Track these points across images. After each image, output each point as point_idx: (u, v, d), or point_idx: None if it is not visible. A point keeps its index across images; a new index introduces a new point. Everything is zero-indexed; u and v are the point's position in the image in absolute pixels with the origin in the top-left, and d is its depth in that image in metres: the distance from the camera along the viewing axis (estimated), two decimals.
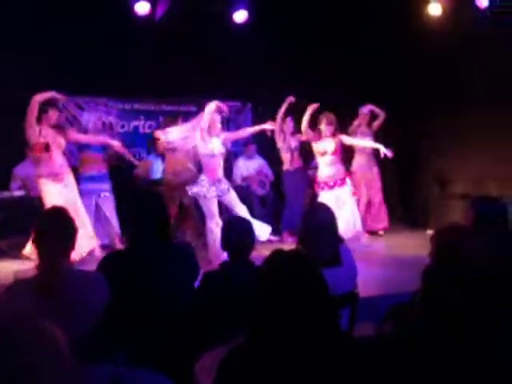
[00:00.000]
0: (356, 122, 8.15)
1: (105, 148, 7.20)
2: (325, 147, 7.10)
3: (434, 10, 7.77)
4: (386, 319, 2.72)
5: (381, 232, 8.31)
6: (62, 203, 5.55)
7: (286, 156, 7.87)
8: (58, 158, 6.19)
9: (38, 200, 7.03)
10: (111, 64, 8.12)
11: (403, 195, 9.40)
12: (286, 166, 7.88)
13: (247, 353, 1.82)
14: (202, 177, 6.47)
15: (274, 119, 7.55)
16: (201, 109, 9.17)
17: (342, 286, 3.21)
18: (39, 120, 6.12)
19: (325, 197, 6.92)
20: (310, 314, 1.77)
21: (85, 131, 7.19)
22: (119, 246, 6.91)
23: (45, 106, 6.23)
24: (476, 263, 2.49)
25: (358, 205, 7.93)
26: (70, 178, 6.31)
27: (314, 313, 1.78)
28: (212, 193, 6.38)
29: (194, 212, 7.28)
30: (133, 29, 7.90)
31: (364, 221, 7.86)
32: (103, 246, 6.92)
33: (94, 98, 8.69)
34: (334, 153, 7.09)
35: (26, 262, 6.38)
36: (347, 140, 7.31)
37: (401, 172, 9.24)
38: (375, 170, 8.24)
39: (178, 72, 8.45)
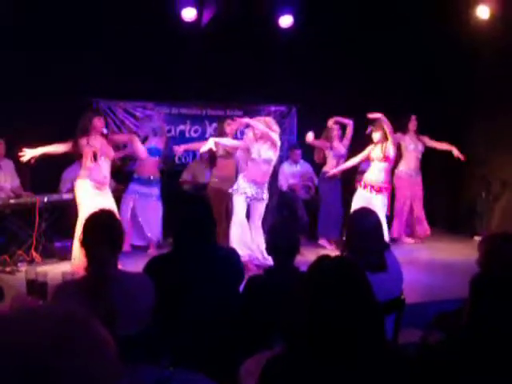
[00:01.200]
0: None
1: (159, 153, 7.42)
2: (373, 153, 7.22)
3: (482, 12, 7.63)
4: (432, 327, 2.69)
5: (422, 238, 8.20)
6: (93, 206, 5.79)
7: (332, 162, 7.80)
8: (104, 169, 6.24)
9: None
10: (158, 69, 8.24)
11: (448, 200, 9.23)
12: (327, 171, 7.77)
13: (290, 360, 1.79)
14: (240, 177, 6.51)
15: (318, 123, 7.60)
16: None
17: (388, 291, 3.17)
18: (87, 131, 6.22)
19: (361, 192, 7.14)
20: (356, 321, 1.75)
21: (145, 138, 7.36)
22: (153, 251, 7.12)
23: (90, 116, 6.37)
24: None
25: (401, 210, 7.94)
26: (108, 191, 6.39)
27: (359, 320, 1.75)
28: (243, 190, 6.40)
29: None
30: (179, 34, 8.00)
31: (408, 226, 8.00)
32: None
33: (142, 102, 8.82)
34: (380, 159, 7.17)
35: (74, 264, 6.55)
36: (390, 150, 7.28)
37: (447, 177, 9.10)
38: (419, 177, 8.14)
39: (224, 77, 8.50)
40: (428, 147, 8.00)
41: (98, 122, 6.30)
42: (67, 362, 0.90)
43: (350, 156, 7.72)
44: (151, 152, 7.22)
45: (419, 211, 8.08)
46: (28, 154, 5.99)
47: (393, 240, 7.87)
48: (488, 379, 1.90)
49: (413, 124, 7.98)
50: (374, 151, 7.22)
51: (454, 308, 2.85)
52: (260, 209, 6.55)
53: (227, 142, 6.91)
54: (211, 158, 7.38)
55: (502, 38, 7.49)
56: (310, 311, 1.77)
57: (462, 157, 7.67)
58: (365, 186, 7.20)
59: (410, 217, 8.15)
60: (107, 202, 6.06)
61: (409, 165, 7.98)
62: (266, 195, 6.55)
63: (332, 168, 7.71)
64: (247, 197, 6.41)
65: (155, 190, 7.36)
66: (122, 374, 0.98)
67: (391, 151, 7.20)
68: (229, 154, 7.11)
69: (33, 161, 6.04)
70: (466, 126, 8.54)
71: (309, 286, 1.84)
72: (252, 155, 6.42)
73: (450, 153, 7.85)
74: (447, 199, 9.23)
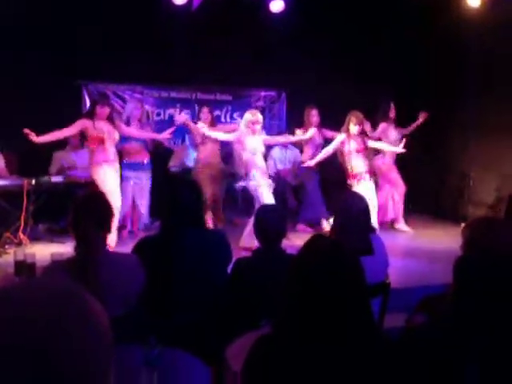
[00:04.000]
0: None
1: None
2: (351, 145, 7.16)
3: (473, 1, 7.63)
4: (417, 311, 2.72)
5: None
6: (115, 187, 6.38)
7: (308, 152, 7.81)
8: (111, 149, 6.45)
9: (76, 186, 7.20)
10: (148, 52, 8.21)
11: (434, 186, 9.26)
12: (307, 160, 7.64)
13: (278, 340, 1.80)
14: (254, 172, 6.45)
15: (307, 108, 7.67)
16: (236, 98, 9.27)
17: (374, 275, 3.20)
18: (92, 114, 6.39)
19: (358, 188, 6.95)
20: (346, 303, 1.76)
21: (127, 120, 7.25)
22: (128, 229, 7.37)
23: (95, 102, 6.54)
24: (508, 255, 2.48)
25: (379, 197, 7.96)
26: (117, 170, 6.63)
27: (350, 302, 1.76)
28: (263, 182, 6.43)
29: (219, 204, 7.52)
30: (170, 18, 7.95)
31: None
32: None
33: (131, 85, 8.79)
34: (358, 151, 7.15)
35: (63, 245, 6.55)
36: (371, 144, 7.34)
37: (433, 163, 9.14)
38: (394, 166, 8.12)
39: (214, 61, 8.49)
40: (406, 134, 7.91)
41: (101, 110, 6.38)
42: (64, 336, 0.91)
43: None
44: (136, 140, 7.21)
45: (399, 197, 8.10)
46: (35, 138, 6.05)
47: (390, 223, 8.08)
48: (471, 360, 1.94)
49: (392, 112, 7.95)
50: (350, 144, 7.15)
51: (438, 292, 2.89)
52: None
53: (220, 136, 6.97)
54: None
55: (492, 26, 7.49)
56: (301, 291, 1.78)
57: (424, 114, 7.88)
58: (352, 178, 7.18)
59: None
60: (117, 182, 6.51)
61: (389, 154, 7.96)
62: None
63: (308, 157, 7.65)
64: (269, 184, 6.52)
65: (147, 174, 7.35)
66: (113, 350, 0.99)
67: (371, 144, 7.30)
68: (209, 140, 7.21)
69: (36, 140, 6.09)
70: (453, 112, 8.53)
71: (301, 265, 1.84)
72: (250, 149, 6.47)
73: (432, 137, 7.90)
74: (433, 185, 9.26)
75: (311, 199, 7.79)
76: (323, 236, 1.96)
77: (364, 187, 6.90)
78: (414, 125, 8.11)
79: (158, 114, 8.93)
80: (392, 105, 7.94)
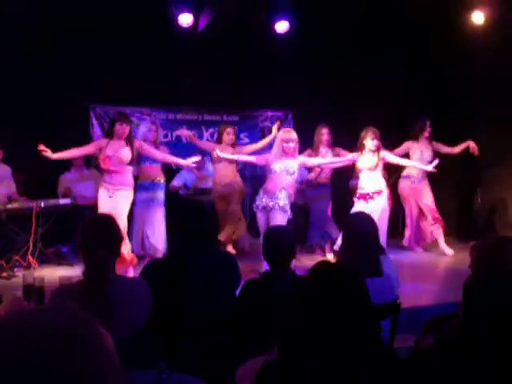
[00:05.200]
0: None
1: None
2: (364, 163, 6.97)
3: (477, 18, 7.67)
4: (426, 331, 2.71)
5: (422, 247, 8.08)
6: (106, 211, 5.77)
7: (316, 168, 7.58)
8: (117, 171, 6.18)
9: (84, 208, 7.22)
10: (155, 74, 8.27)
11: (460, 209, 9.14)
12: (313, 178, 7.66)
13: (285, 365, 1.79)
14: (261, 190, 6.43)
15: (318, 127, 7.57)
16: (243, 119, 9.30)
17: (383, 296, 3.19)
18: (110, 135, 6.27)
19: (358, 206, 6.85)
20: (353, 327, 1.76)
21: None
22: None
23: (114, 120, 6.34)
24: None
25: (410, 219, 7.89)
26: (121, 195, 6.24)
27: (357, 326, 1.76)
28: (266, 202, 6.32)
29: (235, 221, 7.35)
30: (176, 39, 8.03)
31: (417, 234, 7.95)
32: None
33: (139, 107, 8.84)
34: (373, 168, 6.94)
35: (71, 268, 6.56)
36: (390, 157, 7.12)
37: (458, 185, 9.06)
38: (425, 183, 7.86)
39: (221, 82, 8.54)
40: (442, 154, 7.74)
41: (120, 127, 6.19)
42: (72, 363, 0.91)
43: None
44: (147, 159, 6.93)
45: (427, 216, 7.87)
46: (50, 155, 6.03)
47: (405, 248, 7.90)
48: (480, 381, 1.93)
49: (427, 130, 7.75)
50: (364, 161, 6.97)
51: (448, 312, 2.87)
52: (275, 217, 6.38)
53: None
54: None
55: (497, 43, 7.51)
56: (307, 317, 1.78)
57: (476, 151, 7.57)
58: (360, 197, 7.00)
59: (418, 224, 8.01)
60: (119, 206, 6.12)
61: (412, 172, 7.77)
62: (281, 201, 6.37)
63: (317, 175, 7.57)
64: (268, 206, 6.34)
65: (159, 195, 7.01)
66: (123, 375, 0.99)
67: (390, 158, 7.10)
68: (226, 159, 7.13)
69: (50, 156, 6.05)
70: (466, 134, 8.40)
71: (307, 292, 1.85)
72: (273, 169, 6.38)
73: (464, 156, 7.78)
74: (459, 207, 9.13)
75: (318, 220, 7.67)
76: (327, 262, 1.96)
77: (372, 207, 6.73)
78: (459, 149, 7.81)
79: (165, 136, 8.96)
80: (428, 123, 7.77)
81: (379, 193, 6.96)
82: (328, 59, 8.70)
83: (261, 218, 6.39)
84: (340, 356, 1.72)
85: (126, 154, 6.23)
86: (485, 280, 2.12)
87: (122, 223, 6.15)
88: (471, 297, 2.06)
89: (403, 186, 7.90)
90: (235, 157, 6.95)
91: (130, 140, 6.29)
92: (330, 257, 7.43)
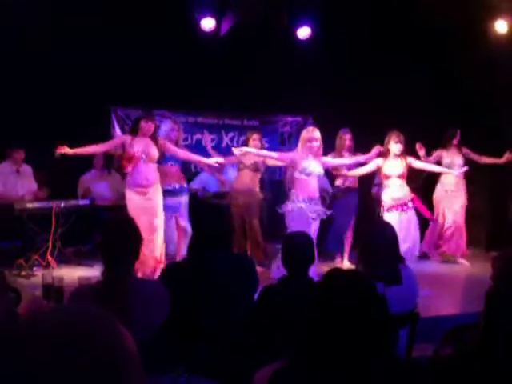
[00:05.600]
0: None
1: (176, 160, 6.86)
2: (392, 169, 6.81)
3: (500, 27, 7.62)
4: (445, 340, 2.69)
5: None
6: (140, 215, 5.75)
7: (340, 173, 7.47)
8: (145, 171, 6.11)
9: (103, 209, 7.28)
10: (176, 78, 8.31)
11: (490, 216, 8.99)
12: (339, 183, 7.57)
13: (297, 372, 1.78)
14: (295, 195, 6.22)
15: (340, 132, 7.50)
16: (263, 124, 9.31)
17: (402, 305, 3.18)
18: (134, 132, 6.20)
19: (392, 217, 6.65)
20: (367, 334, 1.74)
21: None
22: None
23: (139, 118, 6.30)
24: None
25: (434, 225, 7.81)
26: (154, 191, 6.19)
27: (370, 334, 1.75)
28: (298, 207, 6.13)
29: (257, 234, 7.22)
30: (198, 44, 8.06)
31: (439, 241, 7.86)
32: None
33: (160, 111, 8.88)
34: (402, 175, 6.80)
35: (90, 268, 6.60)
36: (416, 164, 6.96)
37: (493, 193, 8.92)
38: (461, 192, 7.82)
39: (242, 86, 8.56)
40: (472, 161, 7.71)
41: (145, 125, 6.14)
42: (93, 361, 0.91)
43: None
44: (168, 159, 6.77)
45: (457, 227, 7.80)
46: (67, 150, 6.00)
47: (424, 254, 7.76)
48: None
49: (457, 139, 7.77)
50: (391, 167, 6.81)
51: (468, 322, 2.85)
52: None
53: (266, 153, 6.79)
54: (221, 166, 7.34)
55: None
56: (317, 324, 1.78)
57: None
58: (392, 207, 6.80)
59: (441, 233, 7.92)
60: (151, 208, 6.10)
61: (445, 180, 7.77)
62: (321, 209, 6.30)
63: (344, 180, 7.47)
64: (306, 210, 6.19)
65: (184, 199, 6.87)
66: (144, 377, 0.99)
67: (416, 164, 6.96)
68: (248, 168, 7.11)
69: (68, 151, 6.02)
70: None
71: (318, 298, 1.84)
72: (301, 169, 6.22)
73: (494, 167, 7.76)
74: (491, 215, 8.98)
75: (339, 228, 7.52)
76: (340, 269, 1.95)
77: (409, 217, 6.70)
78: (493, 161, 7.77)
79: (186, 139, 8.98)
80: (458, 131, 7.75)
81: (411, 201, 6.88)
82: (348, 65, 8.68)
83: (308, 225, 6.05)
84: (350, 365, 1.71)
85: (155, 151, 6.19)
86: (506, 291, 2.10)
87: (160, 219, 6.23)
88: (492, 308, 2.04)
89: (437, 192, 7.89)
90: (259, 152, 6.73)
91: (155, 138, 6.24)
92: (347, 264, 7.38)
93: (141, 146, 6.09)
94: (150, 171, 6.16)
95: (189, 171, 7.92)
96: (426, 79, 8.68)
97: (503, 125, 8.14)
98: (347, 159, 7.20)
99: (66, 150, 5.97)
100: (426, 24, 8.18)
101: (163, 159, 6.59)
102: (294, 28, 8.29)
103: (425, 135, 7.63)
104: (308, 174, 6.17)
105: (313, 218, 6.15)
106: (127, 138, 6.22)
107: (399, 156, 6.79)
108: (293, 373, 1.78)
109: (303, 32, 8.29)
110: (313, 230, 6.04)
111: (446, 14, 7.54)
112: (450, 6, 7.36)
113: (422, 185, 7.95)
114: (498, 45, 7.70)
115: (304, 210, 6.11)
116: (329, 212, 6.30)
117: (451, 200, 7.83)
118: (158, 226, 6.23)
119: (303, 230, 5.69)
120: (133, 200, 6.11)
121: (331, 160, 6.88)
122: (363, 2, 7.99)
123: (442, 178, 7.85)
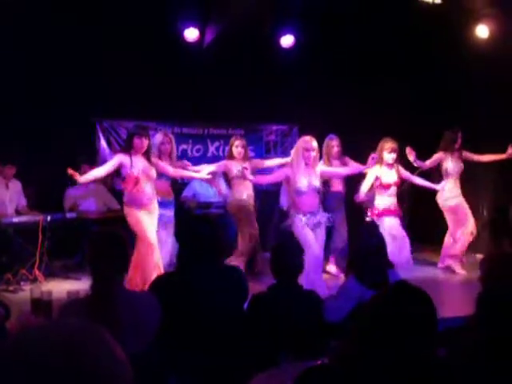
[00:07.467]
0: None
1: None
2: (388, 178, 6.83)
3: (481, 32, 7.69)
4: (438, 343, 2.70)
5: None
6: (148, 227, 5.87)
7: (336, 181, 7.39)
8: (147, 190, 6.02)
9: (90, 222, 7.24)
10: (160, 88, 8.30)
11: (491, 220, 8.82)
12: (330, 189, 7.34)
13: (332, 375, 1.75)
14: (295, 212, 6.08)
15: (326, 140, 7.39)
16: (248, 132, 9.32)
17: None
18: (129, 148, 6.01)
19: (392, 223, 6.74)
20: (414, 350, 1.73)
21: (158, 157, 6.70)
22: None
23: (132, 134, 6.10)
24: None
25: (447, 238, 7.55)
26: (155, 206, 6.16)
27: (416, 350, 1.73)
28: (300, 222, 6.00)
29: (257, 246, 7.16)
30: (182, 54, 8.08)
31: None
32: None
33: (145, 122, 8.85)
34: (397, 183, 6.82)
35: (78, 281, 6.56)
36: (406, 174, 6.98)
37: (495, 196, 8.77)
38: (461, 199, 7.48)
39: (226, 96, 8.56)
40: (473, 162, 7.46)
41: (138, 141, 5.96)
42: (85, 368, 0.91)
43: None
44: (163, 178, 6.67)
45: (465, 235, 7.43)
46: (79, 178, 5.90)
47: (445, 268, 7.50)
48: None
49: (458, 142, 7.38)
50: (388, 175, 6.82)
51: (457, 325, 2.86)
52: (318, 235, 6.14)
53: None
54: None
55: (501, 56, 7.50)
56: (378, 335, 1.74)
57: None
58: (390, 213, 6.81)
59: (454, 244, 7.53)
60: (153, 221, 6.07)
61: (449, 187, 7.38)
62: (322, 218, 6.15)
63: (338, 187, 7.39)
64: (305, 224, 6.04)
65: (169, 212, 6.86)
66: None
67: (405, 175, 6.94)
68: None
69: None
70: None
71: (384, 311, 1.79)
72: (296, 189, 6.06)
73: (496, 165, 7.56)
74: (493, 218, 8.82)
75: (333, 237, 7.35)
76: (408, 284, 1.91)
77: (385, 224, 6.65)
78: (495, 158, 7.39)
79: None
80: (460, 134, 7.38)
81: (394, 210, 6.91)
82: (333, 73, 8.73)
83: (308, 233, 5.97)
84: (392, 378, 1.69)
85: (153, 170, 6.10)
86: (496, 292, 2.11)
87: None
88: (485, 311, 2.05)
89: (439, 201, 7.48)
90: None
91: (148, 156, 6.09)
92: (333, 269, 7.33)
93: (140, 167, 5.98)
94: (151, 189, 6.09)
95: (176, 183, 7.86)
96: (408, 85, 8.76)
97: (481, 124, 8.09)
98: (342, 168, 7.09)
99: (78, 177, 5.86)
100: (410, 31, 8.27)
101: (157, 176, 6.41)
102: (278, 36, 8.32)
103: (412, 140, 7.65)
104: (303, 193, 6.01)
105: (317, 227, 6.06)
106: (125, 158, 5.98)
107: (392, 165, 6.81)
108: (331, 374, 1.75)
109: (287, 40, 8.33)
110: (320, 238, 6.02)
111: (428, 20, 7.62)
112: (431, 11, 7.45)
113: (413, 203, 7.95)
114: (479, 50, 7.75)
115: (306, 222, 6.01)
116: (332, 219, 6.24)
117: (455, 207, 7.45)
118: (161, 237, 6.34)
119: (312, 240, 5.84)
120: (134, 216, 5.98)
121: (328, 169, 6.77)
122: (347, 10, 8.03)
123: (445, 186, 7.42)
